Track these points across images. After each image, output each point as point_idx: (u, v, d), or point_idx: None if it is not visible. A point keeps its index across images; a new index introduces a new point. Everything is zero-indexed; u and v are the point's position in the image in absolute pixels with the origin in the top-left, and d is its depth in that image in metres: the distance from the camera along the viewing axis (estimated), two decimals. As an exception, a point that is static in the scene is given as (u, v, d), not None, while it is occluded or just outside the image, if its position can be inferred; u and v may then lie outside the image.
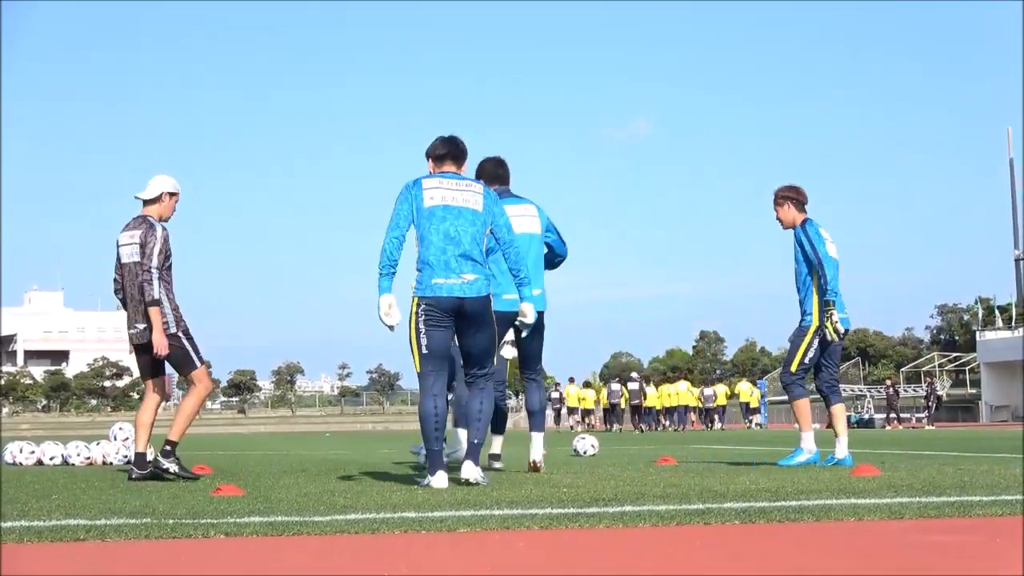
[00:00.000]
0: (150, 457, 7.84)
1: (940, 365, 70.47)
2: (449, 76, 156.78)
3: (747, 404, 42.13)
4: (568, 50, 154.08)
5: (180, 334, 7.68)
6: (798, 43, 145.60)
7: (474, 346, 6.49)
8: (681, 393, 39.12)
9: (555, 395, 41.44)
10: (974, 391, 62.43)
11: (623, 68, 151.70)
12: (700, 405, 40.36)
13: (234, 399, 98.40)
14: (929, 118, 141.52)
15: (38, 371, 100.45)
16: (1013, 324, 58.12)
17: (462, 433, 7.99)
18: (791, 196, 8.36)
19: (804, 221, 8.30)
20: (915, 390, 55.41)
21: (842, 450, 8.10)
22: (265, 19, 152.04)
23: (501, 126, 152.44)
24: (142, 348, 7.72)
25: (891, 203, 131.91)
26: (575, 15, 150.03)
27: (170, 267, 7.76)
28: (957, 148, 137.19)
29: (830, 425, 8.50)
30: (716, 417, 40.31)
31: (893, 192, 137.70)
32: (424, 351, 6.33)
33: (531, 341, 7.77)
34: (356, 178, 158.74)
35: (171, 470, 7.52)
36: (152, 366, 7.79)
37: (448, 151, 6.64)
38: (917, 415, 46.13)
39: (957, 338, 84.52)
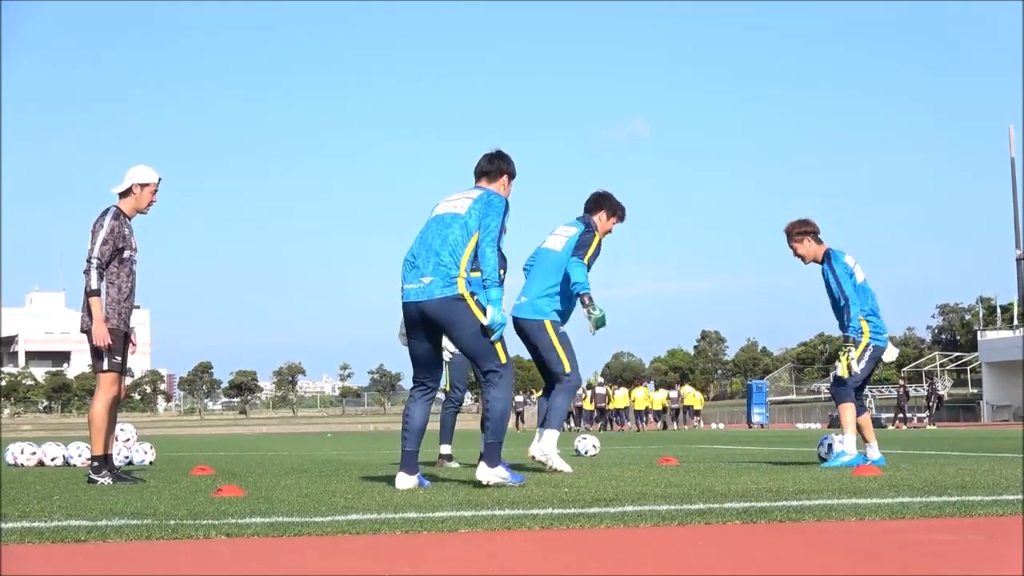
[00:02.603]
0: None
1: (941, 365, 70.44)
2: (449, 78, 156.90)
3: (690, 407, 45.90)
4: (566, 52, 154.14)
5: None
6: (798, 43, 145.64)
7: (461, 348, 6.37)
8: (638, 399, 43.74)
9: (519, 398, 46.46)
10: (975, 391, 62.41)
11: (619, 70, 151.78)
12: (654, 406, 44.45)
13: (235, 400, 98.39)
14: (930, 117, 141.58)
15: (40, 372, 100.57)
16: (1014, 324, 58.07)
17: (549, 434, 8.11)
18: (807, 231, 8.52)
19: (828, 254, 8.47)
20: (916, 390, 55.41)
21: (874, 452, 8.56)
22: (268, 21, 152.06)
23: (500, 128, 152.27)
24: (87, 338, 7.50)
25: (892, 202, 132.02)
26: (572, 17, 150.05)
27: (126, 260, 7.46)
28: (958, 147, 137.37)
29: (832, 425, 8.60)
30: (685, 416, 44.88)
31: (894, 191, 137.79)
32: (410, 358, 6.52)
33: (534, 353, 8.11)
34: (358, 179, 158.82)
35: (106, 484, 7.18)
36: (97, 359, 7.46)
37: (477, 168, 6.69)
38: (919, 415, 46.14)
39: (958, 338, 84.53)
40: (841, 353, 8.41)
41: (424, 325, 6.33)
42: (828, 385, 9.41)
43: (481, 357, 6.28)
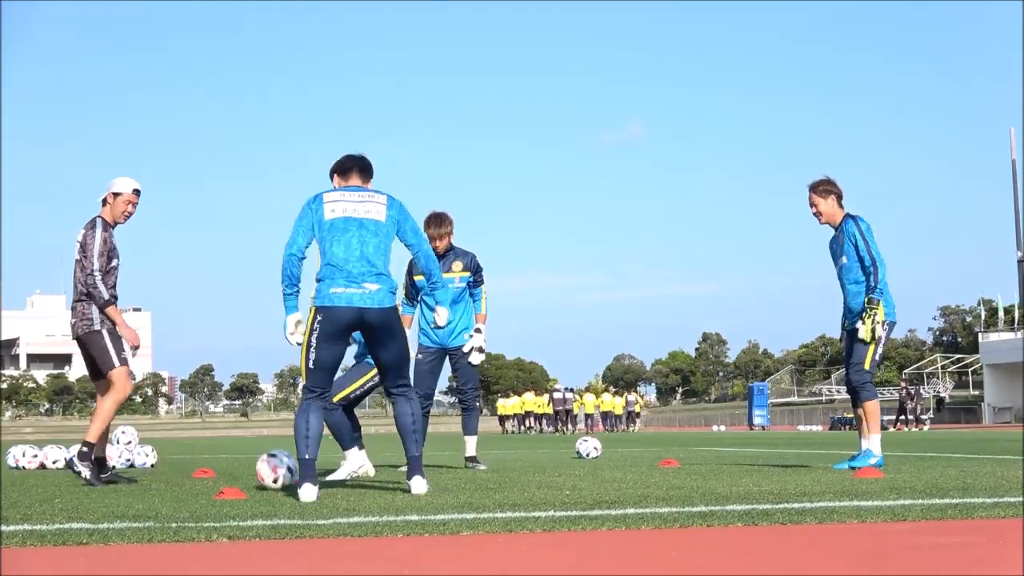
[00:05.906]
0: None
1: (943, 367, 70.46)
2: (447, 80, 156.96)
3: (633, 410, 49.99)
4: (563, 54, 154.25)
5: (104, 331, 7.55)
6: (797, 45, 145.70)
7: (389, 357, 6.33)
8: (587, 403, 49.55)
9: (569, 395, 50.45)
10: (977, 393, 62.41)
11: (615, 72, 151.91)
12: (615, 411, 48.33)
13: (237, 402, 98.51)
14: (931, 118, 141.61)
15: (41, 375, 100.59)
16: (1016, 326, 58.11)
17: (352, 454, 8.19)
18: (833, 191, 8.26)
19: (854, 217, 8.20)
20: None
21: (876, 445, 8.11)
22: (268, 21, 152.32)
23: (497, 129, 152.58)
24: (79, 344, 7.67)
25: (893, 204, 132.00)
26: (569, 18, 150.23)
27: (112, 269, 7.63)
28: (960, 149, 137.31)
29: (856, 424, 8.36)
30: (631, 419, 49.59)
31: (895, 193, 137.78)
32: (311, 365, 6.17)
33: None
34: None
35: (83, 475, 7.31)
36: (92, 365, 7.67)
37: (355, 164, 6.50)
38: (919, 416, 46.17)
39: (960, 340, 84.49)
40: (865, 315, 7.86)
41: (349, 332, 6.25)
42: (848, 379, 8.54)
43: (403, 366, 6.43)
